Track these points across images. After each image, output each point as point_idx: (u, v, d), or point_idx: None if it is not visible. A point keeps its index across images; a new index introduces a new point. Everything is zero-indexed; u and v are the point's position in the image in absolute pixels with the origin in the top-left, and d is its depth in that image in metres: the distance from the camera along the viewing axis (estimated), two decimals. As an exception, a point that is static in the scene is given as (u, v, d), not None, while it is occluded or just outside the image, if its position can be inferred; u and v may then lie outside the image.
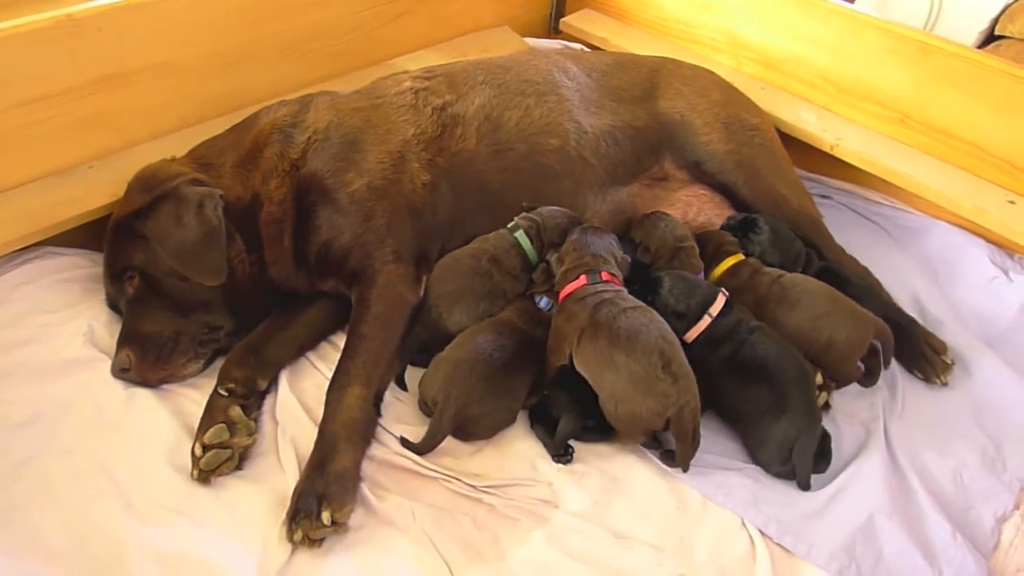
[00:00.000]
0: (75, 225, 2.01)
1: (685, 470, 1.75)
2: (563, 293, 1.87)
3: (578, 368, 1.78)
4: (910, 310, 2.20)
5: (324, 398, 1.83)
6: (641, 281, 1.95)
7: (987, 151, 2.26)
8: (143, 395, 1.83)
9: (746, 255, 2.10)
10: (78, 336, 1.89)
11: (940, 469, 1.88)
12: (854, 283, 2.13)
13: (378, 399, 1.82)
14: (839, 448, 1.88)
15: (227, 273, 1.88)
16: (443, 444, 1.79)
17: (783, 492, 1.79)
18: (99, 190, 2.03)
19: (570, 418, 1.80)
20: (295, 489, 1.64)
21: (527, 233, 2.02)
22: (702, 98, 2.30)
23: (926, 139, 2.35)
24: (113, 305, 1.95)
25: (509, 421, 1.84)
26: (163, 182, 1.90)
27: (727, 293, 1.92)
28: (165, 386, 1.87)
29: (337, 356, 1.95)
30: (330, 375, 1.90)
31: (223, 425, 1.71)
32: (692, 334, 1.87)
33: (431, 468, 1.76)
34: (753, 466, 1.85)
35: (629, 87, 2.31)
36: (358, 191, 1.94)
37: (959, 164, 2.31)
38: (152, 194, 1.88)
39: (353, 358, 1.81)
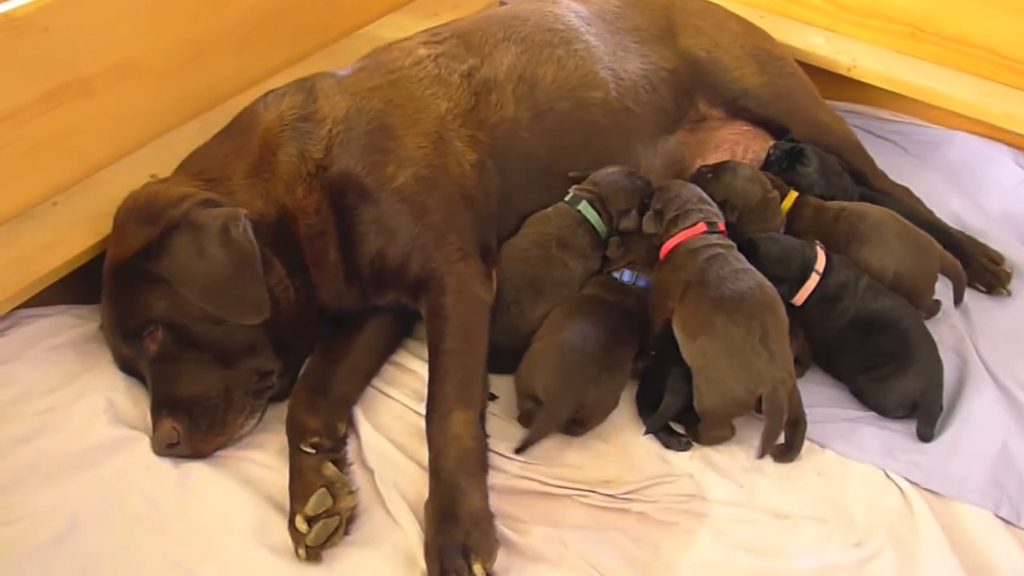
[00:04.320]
0: (54, 280, 1.62)
1: (760, 456, 1.61)
2: (674, 241, 1.71)
3: (675, 328, 1.64)
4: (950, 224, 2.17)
5: (411, 430, 1.61)
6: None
7: (1003, 55, 2.23)
8: (198, 471, 1.52)
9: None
10: (97, 415, 1.54)
11: (1037, 379, 1.86)
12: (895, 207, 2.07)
13: (483, 419, 1.58)
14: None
15: (270, 306, 1.56)
16: (556, 455, 1.61)
17: (910, 434, 1.71)
18: (73, 231, 1.66)
19: (675, 398, 1.64)
20: (428, 545, 1.40)
21: (592, 205, 1.82)
22: (723, 32, 2.15)
23: (939, 49, 2.30)
24: (128, 368, 1.60)
25: (617, 401, 1.68)
26: (166, 209, 1.55)
27: (823, 246, 1.80)
28: (217, 453, 1.56)
29: (406, 378, 1.74)
30: (406, 401, 1.69)
31: (323, 490, 1.43)
32: (801, 296, 1.75)
33: (559, 484, 1.57)
34: (869, 412, 1.76)
35: (647, 27, 2.12)
36: (404, 185, 1.66)
37: (976, 71, 2.27)
38: (158, 226, 1.53)
39: (445, 380, 1.56)
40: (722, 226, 1.75)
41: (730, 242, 1.72)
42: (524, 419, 1.65)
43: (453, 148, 1.74)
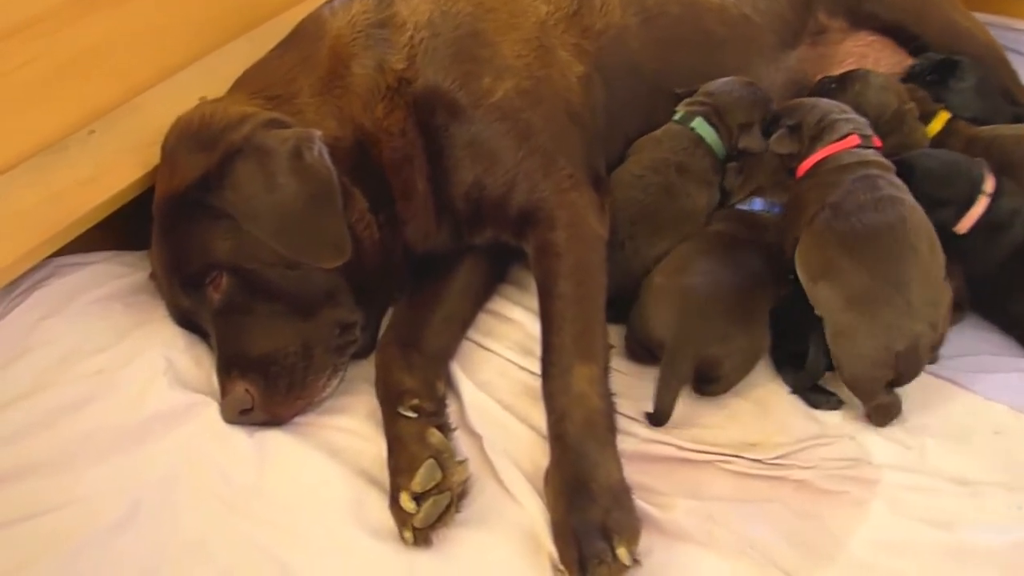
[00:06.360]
0: (95, 221, 1.38)
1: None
2: (820, 155, 1.46)
3: (797, 266, 1.40)
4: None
5: (518, 388, 1.40)
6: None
7: None
8: (277, 441, 1.29)
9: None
10: (156, 377, 1.31)
11: None
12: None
13: (607, 374, 1.33)
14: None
15: (351, 245, 1.32)
16: (690, 415, 1.38)
17: (1091, 385, 1.48)
18: (115, 163, 1.42)
19: (821, 352, 1.39)
20: (559, 525, 1.17)
21: (707, 120, 1.57)
22: (841, -73, 1.87)
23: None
24: (187, 322, 1.37)
25: (759, 357, 1.43)
26: (225, 132, 1.31)
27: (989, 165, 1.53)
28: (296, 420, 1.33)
29: (506, 328, 1.52)
30: (509, 355, 1.46)
31: (432, 461, 1.20)
32: (967, 222, 1.49)
33: (697, 449, 1.34)
34: (1039, 360, 1.52)
35: (754, -75, 1.84)
36: (504, 100, 1.41)
37: None
38: (217, 152, 1.29)
39: (562, 329, 1.32)
40: (878, 142, 1.49)
41: (888, 163, 1.46)
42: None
43: (558, 58, 1.49)
